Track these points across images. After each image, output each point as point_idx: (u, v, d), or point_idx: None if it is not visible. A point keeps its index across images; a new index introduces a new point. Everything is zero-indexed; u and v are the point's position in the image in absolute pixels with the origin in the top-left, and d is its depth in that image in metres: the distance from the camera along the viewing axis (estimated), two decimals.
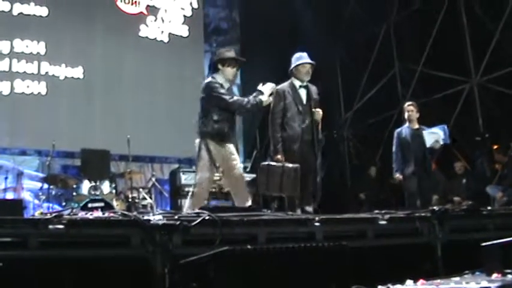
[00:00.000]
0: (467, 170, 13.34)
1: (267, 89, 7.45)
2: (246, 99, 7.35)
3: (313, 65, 8.15)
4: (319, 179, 8.18)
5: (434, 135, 9.97)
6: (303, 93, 8.02)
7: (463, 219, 6.27)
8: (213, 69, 7.72)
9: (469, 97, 13.48)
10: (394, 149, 10.33)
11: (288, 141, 7.78)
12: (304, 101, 7.96)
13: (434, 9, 14.23)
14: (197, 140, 7.53)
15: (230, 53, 7.71)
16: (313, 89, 8.18)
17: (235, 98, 7.40)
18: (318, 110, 7.96)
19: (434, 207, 6.02)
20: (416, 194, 9.91)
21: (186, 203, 7.76)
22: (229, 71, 7.56)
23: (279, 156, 7.65)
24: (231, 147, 7.41)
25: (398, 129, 10.42)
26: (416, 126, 10.23)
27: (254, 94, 7.38)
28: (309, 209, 7.73)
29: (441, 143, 9.93)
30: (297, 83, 8.05)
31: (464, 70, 13.53)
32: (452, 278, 4.16)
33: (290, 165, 7.36)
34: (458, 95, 13.69)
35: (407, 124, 10.32)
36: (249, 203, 7.16)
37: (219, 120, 7.34)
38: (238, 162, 7.57)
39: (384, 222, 5.66)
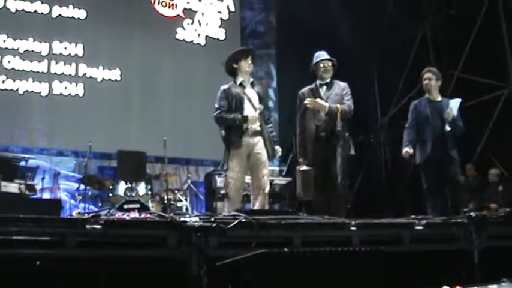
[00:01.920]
0: (504, 176, 13.20)
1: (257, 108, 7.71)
2: (225, 116, 7.59)
3: (332, 61, 8.05)
4: (340, 180, 7.91)
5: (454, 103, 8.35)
6: (323, 91, 7.94)
7: (501, 225, 6.19)
8: (230, 72, 7.91)
9: (507, 102, 13.34)
10: (407, 124, 8.64)
11: (307, 142, 7.80)
12: (324, 99, 7.83)
13: (473, 13, 14.12)
14: None
15: (237, 52, 7.96)
16: (340, 85, 8.03)
17: (221, 113, 7.64)
18: (337, 106, 7.72)
19: (472, 213, 5.95)
20: (439, 187, 8.23)
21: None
22: (244, 64, 7.80)
23: (300, 160, 7.82)
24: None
25: (416, 101, 8.74)
26: (439, 98, 8.61)
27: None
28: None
29: (454, 113, 8.19)
30: (318, 82, 8.01)
31: (502, 75, 13.40)
32: (489, 285, 4.12)
33: (302, 167, 7.38)
34: (496, 101, 13.56)
35: (426, 95, 8.64)
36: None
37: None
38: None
39: (420, 227, 5.61)
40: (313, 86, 8.03)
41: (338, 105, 7.72)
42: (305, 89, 8.06)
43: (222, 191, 11.84)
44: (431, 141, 8.17)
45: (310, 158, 7.66)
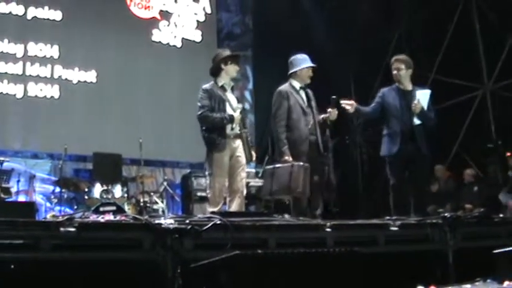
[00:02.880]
0: (480, 177, 13.30)
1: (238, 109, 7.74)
2: (211, 116, 7.58)
3: (315, 68, 8.09)
4: (334, 181, 8.12)
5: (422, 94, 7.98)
6: (302, 95, 7.98)
7: (475, 226, 6.25)
8: (215, 72, 7.89)
9: (481, 104, 13.45)
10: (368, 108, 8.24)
11: (296, 142, 7.71)
12: (306, 103, 7.92)
13: (447, 15, 14.22)
14: None
15: (228, 52, 7.99)
16: (311, 92, 8.13)
17: (205, 113, 7.62)
18: (334, 110, 7.80)
19: (446, 214, 5.99)
20: (406, 183, 7.87)
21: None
22: (232, 68, 7.84)
23: (286, 158, 7.55)
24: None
25: (386, 89, 8.29)
26: (410, 87, 8.15)
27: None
28: (318, 211, 7.70)
29: (422, 105, 7.81)
30: (297, 85, 7.99)
31: (477, 77, 13.51)
32: (464, 285, 4.15)
33: (301, 163, 7.35)
34: (471, 102, 13.67)
35: (396, 84, 8.16)
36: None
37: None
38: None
39: (395, 228, 5.65)
40: (291, 87, 8.01)
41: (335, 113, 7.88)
42: (287, 88, 8.00)
43: (199, 193, 11.89)
44: (400, 134, 7.81)
45: (303, 158, 7.61)
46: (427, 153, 7.92)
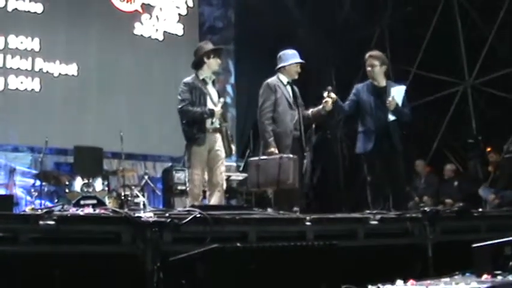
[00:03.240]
0: (460, 172, 13.38)
1: (219, 105, 7.75)
2: (192, 109, 7.57)
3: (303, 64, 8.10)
4: (307, 177, 8.15)
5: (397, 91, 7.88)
6: (289, 89, 7.97)
7: (454, 220, 6.29)
8: (197, 65, 7.87)
9: (462, 99, 13.52)
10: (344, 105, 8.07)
11: (281, 136, 7.70)
12: (292, 97, 7.92)
13: (429, 12, 14.27)
14: None
15: (210, 45, 7.98)
16: (296, 88, 8.12)
17: (187, 107, 7.60)
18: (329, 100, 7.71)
19: (426, 208, 6.03)
20: (382, 180, 7.85)
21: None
22: (215, 62, 7.86)
23: (272, 149, 7.52)
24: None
25: (360, 85, 8.29)
26: (383, 83, 8.07)
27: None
28: (296, 208, 7.69)
29: (397, 101, 7.73)
30: (284, 80, 7.97)
31: (458, 72, 13.57)
32: (443, 278, 4.18)
33: (290, 155, 7.34)
34: (451, 97, 13.73)
35: (370, 80, 8.13)
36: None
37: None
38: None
39: (375, 222, 5.68)
40: (279, 81, 7.97)
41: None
42: (274, 81, 7.95)
43: (180, 187, 11.88)
44: (375, 132, 7.76)
45: (287, 151, 7.61)
46: (401, 150, 7.91)
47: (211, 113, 7.54)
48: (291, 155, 7.30)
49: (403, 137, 8.05)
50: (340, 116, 16.25)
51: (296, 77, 8.04)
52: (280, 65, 8.03)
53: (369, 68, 8.11)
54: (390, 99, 7.73)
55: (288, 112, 7.79)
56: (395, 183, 7.94)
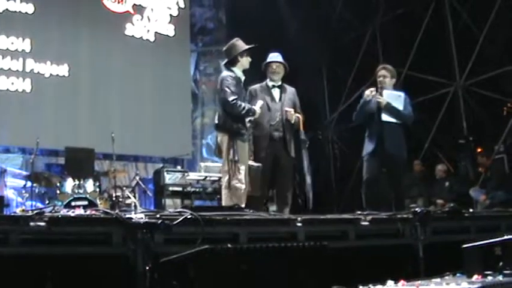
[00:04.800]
0: (451, 172, 13.41)
1: (258, 105, 7.60)
2: (242, 105, 7.41)
3: (283, 64, 8.06)
4: (309, 181, 8.14)
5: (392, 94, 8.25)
6: (275, 93, 7.97)
7: (445, 221, 6.31)
8: (231, 62, 7.73)
9: (453, 100, 13.56)
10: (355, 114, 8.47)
11: (258, 138, 7.77)
12: (276, 100, 7.91)
13: (420, 13, 14.31)
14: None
15: (242, 43, 7.78)
16: (290, 90, 8.13)
17: (237, 101, 7.41)
18: (290, 109, 7.88)
19: (417, 209, 6.03)
20: (378, 180, 8.12)
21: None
22: (247, 60, 7.72)
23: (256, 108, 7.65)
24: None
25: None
26: None
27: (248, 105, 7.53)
28: (286, 210, 7.72)
29: (388, 100, 8.06)
30: (270, 83, 8.01)
31: (449, 73, 13.62)
32: (433, 279, 4.18)
33: (255, 164, 7.45)
34: (442, 98, 13.77)
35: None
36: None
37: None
38: None
39: (366, 223, 5.68)
40: (263, 84, 8.03)
41: (299, 115, 7.95)
42: (256, 86, 8.04)
43: (171, 188, 11.88)
44: (376, 136, 8.03)
45: (262, 154, 7.67)
46: (397, 153, 8.10)
47: (254, 113, 7.52)
48: (258, 165, 7.52)
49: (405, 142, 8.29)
50: (331, 117, 16.34)
51: (274, 77, 8.04)
52: (263, 66, 8.13)
53: (380, 79, 8.34)
54: (381, 97, 8.00)
55: (266, 114, 7.78)
56: (392, 185, 8.17)
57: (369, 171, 8.13)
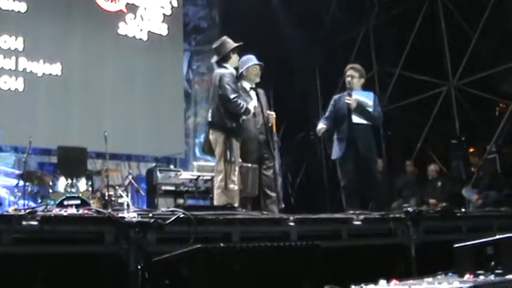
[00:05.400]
0: (443, 172, 13.44)
1: (252, 104, 7.63)
2: (242, 103, 7.42)
3: (262, 67, 8.07)
4: (280, 182, 8.21)
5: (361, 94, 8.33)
6: (253, 95, 7.97)
7: (437, 220, 6.32)
8: (224, 59, 7.70)
9: (446, 100, 13.57)
10: (325, 115, 8.56)
11: (246, 143, 7.75)
12: (256, 104, 7.87)
13: (413, 13, 14.34)
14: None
15: (231, 42, 7.76)
16: (262, 91, 8.13)
17: (238, 99, 7.43)
18: (272, 112, 8.00)
19: (409, 209, 6.05)
20: (355, 184, 8.15)
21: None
22: (236, 58, 7.77)
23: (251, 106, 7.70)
24: None
25: (337, 96, 8.67)
26: None
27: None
28: (275, 209, 7.76)
29: (359, 101, 8.14)
30: (247, 86, 7.99)
31: (442, 73, 13.64)
32: (425, 278, 4.19)
33: (249, 165, 7.45)
34: (435, 98, 13.79)
35: (347, 91, 8.38)
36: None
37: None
38: None
39: (358, 222, 5.69)
40: (242, 88, 7.95)
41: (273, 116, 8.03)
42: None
43: (164, 187, 11.88)
44: (347, 138, 8.11)
45: (252, 157, 7.71)
46: (368, 155, 8.24)
47: (249, 112, 7.55)
48: (250, 165, 7.56)
49: (375, 142, 8.48)
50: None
51: (256, 80, 8.04)
52: (239, 73, 8.06)
53: (348, 78, 8.40)
54: (350, 99, 8.08)
55: (251, 119, 7.81)
56: (371, 187, 8.23)
57: (345, 175, 8.19)
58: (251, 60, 8.03)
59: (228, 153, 7.27)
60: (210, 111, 7.69)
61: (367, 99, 8.26)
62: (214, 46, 7.89)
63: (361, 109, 8.11)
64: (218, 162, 7.41)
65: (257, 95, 7.98)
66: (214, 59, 7.85)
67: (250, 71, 7.99)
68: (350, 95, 8.17)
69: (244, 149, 7.68)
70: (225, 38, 7.81)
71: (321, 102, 17.07)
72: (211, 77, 8.01)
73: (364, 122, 8.16)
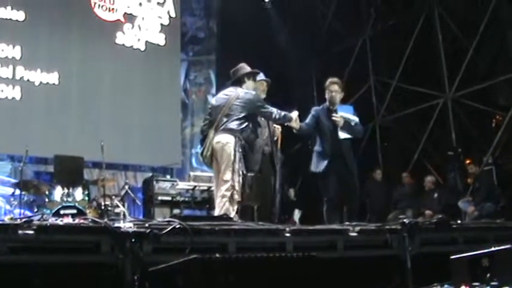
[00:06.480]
0: (440, 184, 13.45)
1: (294, 115, 7.80)
2: (276, 111, 7.56)
3: (269, 83, 8.16)
4: (278, 198, 8.25)
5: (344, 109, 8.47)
6: None
7: (433, 232, 6.32)
8: (238, 82, 7.76)
9: (442, 112, 13.61)
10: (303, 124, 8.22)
11: (250, 152, 7.71)
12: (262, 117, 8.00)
13: (410, 25, 14.38)
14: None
15: (248, 68, 7.84)
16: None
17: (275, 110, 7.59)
18: (278, 126, 8.08)
19: (405, 220, 6.05)
20: (338, 198, 8.20)
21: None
22: (252, 84, 7.80)
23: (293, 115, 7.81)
24: None
25: (318, 107, 8.65)
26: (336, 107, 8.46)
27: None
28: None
29: (346, 118, 8.24)
30: None
31: (438, 85, 13.68)
32: None
33: (253, 174, 7.51)
34: (432, 110, 13.83)
35: (327, 104, 8.46)
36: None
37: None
38: None
39: (354, 234, 5.69)
40: None
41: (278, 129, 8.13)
42: None
43: (160, 197, 11.87)
44: (330, 153, 8.17)
45: (256, 168, 7.72)
46: (353, 168, 8.33)
47: (290, 119, 7.78)
48: (254, 174, 7.56)
49: (355, 156, 8.60)
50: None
51: (263, 95, 8.07)
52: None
53: (333, 93, 8.38)
54: (338, 116, 8.16)
55: (257, 130, 7.86)
56: (350, 200, 8.28)
57: (329, 189, 8.16)
58: (259, 76, 8.12)
59: (237, 164, 7.29)
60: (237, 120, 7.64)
61: (349, 113, 8.40)
62: (231, 71, 7.95)
63: (346, 125, 8.23)
64: (226, 171, 7.38)
65: None
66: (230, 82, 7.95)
67: (257, 87, 8.04)
68: (335, 112, 8.24)
69: (250, 159, 7.71)
70: (242, 64, 7.87)
71: None
72: (208, 87, 8.07)
73: (348, 136, 8.29)
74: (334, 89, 8.40)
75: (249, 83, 7.75)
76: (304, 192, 15.36)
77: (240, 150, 7.29)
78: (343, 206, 8.32)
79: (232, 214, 6.96)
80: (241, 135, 7.34)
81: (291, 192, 14.56)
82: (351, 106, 8.71)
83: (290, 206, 14.64)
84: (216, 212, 7.21)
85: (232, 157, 7.24)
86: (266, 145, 7.98)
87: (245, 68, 7.82)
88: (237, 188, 7.22)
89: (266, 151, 7.97)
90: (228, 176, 7.26)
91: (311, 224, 6.40)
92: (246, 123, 7.41)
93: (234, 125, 7.38)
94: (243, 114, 7.40)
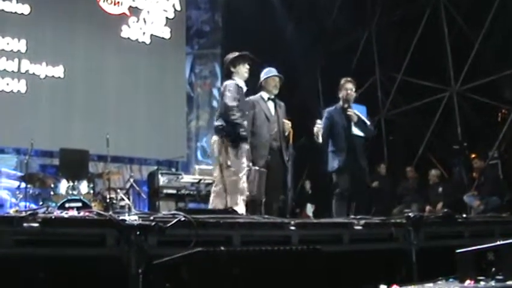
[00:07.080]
0: (444, 178, 13.42)
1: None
2: (237, 114, 7.29)
3: (282, 79, 8.16)
4: (291, 194, 8.27)
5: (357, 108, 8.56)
6: (271, 105, 8.08)
7: (438, 226, 6.30)
8: (227, 75, 7.74)
9: (448, 105, 13.58)
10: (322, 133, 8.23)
11: (256, 146, 7.82)
12: (273, 112, 8.04)
13: (416, 18, 14.34)
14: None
15: (234, 54, 7.71)
16: (281, 104, 8.23)
17: (235, 108, 7.31)
18: (288, 122, 8.05)
19: (410, 214, 6.04)
20: (349, 192, 8.29)
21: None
22: (242, 68, 7.63)
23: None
24: None
25: (331, 109, 8.70)
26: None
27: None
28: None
29: (358, 114, 8.38)
30: (265, 96, 8.09)
31: (444, 79, 13.64)
32: (426, 284, 4.19)
33: (256, 168, 7.51)
34: (437, 103, 13.80)
35: (340, 103, 8.57)
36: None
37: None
38: None
39: (359, 227, 5.68)
40: (258, 96, 8.10)
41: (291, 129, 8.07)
42: (255, 97, 8.11)
43: (165, 190, 11.87)
44: (344, 150, 8.31)
45: (262, 162, 7.72)
46: (365, 166, 8.54)
47: (240, 127, 7.42)
48: (257, 168, 7.58)
49: (367, 155, 8.79)
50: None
51: (274, 91, 8.12)
52: (259, 83, 8.20)
53: (349, 91, 8.53)
54: (352, 111, 8.33)
55: (265, 125, 7.93)
56: (359, 196, 8.41)
57: (343, 184, 8.31)
58: (271, 72, 8.14)
59: (222, 159, 7.31)
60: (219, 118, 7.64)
61: (362, 113, 8.52)
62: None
63: (360, 122, 8.36)
64: (214, 168, 7.48)
65: (275, 105, 8.10)
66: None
67: (269, 82, 8.08)
68: (350, 107, 8.39)
69: (255, 154, 7.71)
70: (230, 54, 7.81)
71: (323, 106, 17.07)
72: (213, 80, 8.05)
73: (361, 134, 8.42)
74: (349, 87, 8.53)
75: (239, 69, 7.61)
76: (318, 186, 15.39)
77: (223, 143, 7.31)
78: (351, 201, 8.36)
79: (240, 206, 6.99)
80: (223, 131, 7.33)
81: (307, 184, 14.62)
82: (364, 106, 8.73)
83: (305, 199, 14.70)
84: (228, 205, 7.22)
85: (217, 153, 7.38)
86: (274, 140, 7.95)
87: (227, 57, 7.73)
88: (243, 180, 7.26)
89: (274, 146, 7.94)
90: (216, 172, 7.45)
91: (318, 217, 6.40)
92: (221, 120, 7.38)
93: (224, 127, 7.38)
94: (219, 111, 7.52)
